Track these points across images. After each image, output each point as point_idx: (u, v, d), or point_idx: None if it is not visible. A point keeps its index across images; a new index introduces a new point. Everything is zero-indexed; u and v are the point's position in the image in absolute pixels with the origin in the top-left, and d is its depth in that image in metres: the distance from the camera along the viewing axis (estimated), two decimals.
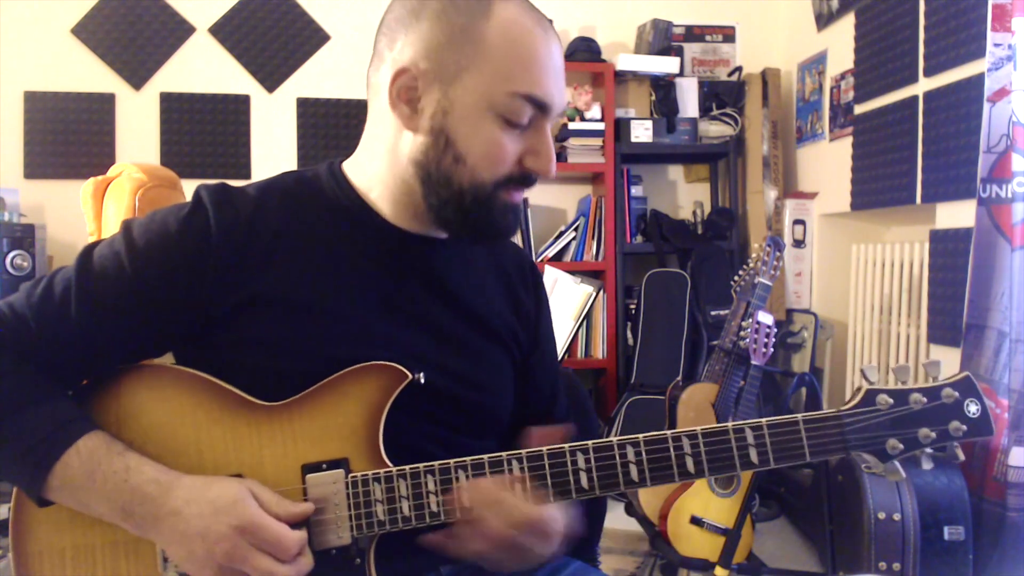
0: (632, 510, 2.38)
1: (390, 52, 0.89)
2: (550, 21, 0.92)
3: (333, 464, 0.85)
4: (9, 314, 0.86)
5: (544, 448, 0.85)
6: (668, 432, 0.85)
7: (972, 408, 0.85)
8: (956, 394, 0.85)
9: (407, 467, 0.85)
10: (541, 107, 0.88)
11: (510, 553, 0.84)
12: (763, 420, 0.85)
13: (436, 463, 0.85)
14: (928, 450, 0.86)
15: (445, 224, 0.92)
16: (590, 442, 0.85)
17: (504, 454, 0.85)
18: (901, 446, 0.85)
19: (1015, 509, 2.01)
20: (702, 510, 2.15)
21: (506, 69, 0.86)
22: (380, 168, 0.93)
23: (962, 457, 0.86)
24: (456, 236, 0.94)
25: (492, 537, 0.82)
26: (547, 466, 0.85)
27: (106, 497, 0.81)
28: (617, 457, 0.84)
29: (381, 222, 0.94)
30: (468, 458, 0.85)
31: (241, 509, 0.79)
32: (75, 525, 0.85)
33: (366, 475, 0.85)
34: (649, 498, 2.26)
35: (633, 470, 0.84)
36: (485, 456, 0.85)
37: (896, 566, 2.00)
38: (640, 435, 0.85)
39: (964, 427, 0.85)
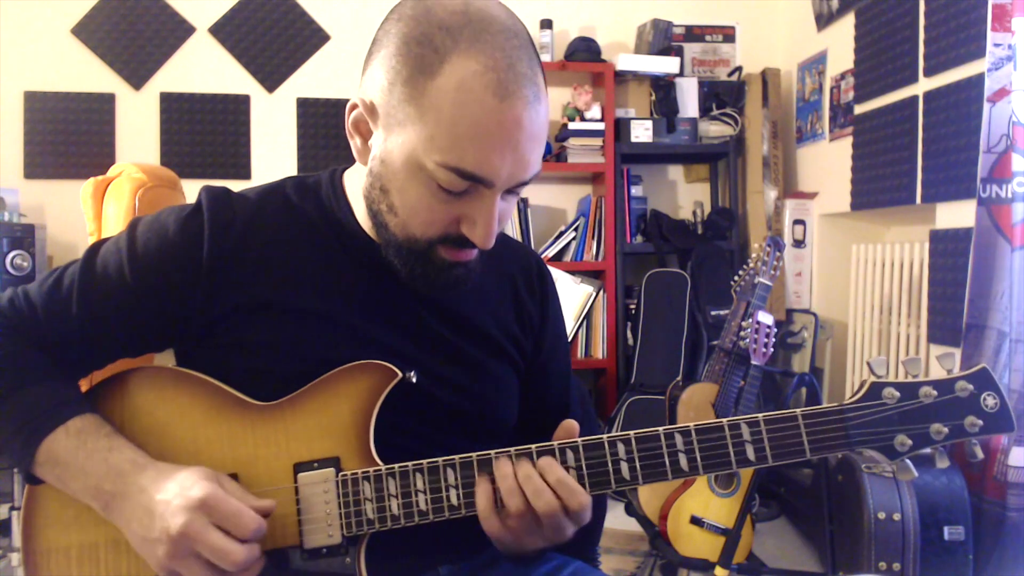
0: (632, 510, 2.38)
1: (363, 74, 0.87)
2: (536, 76, 0.80)
3: (324, 463, 0.85)
4: (24, 302, 0.89)
5: (533, 446, 0.84)
6: (660, 429, 0.83)
7: (990, 402, 0.79)
8: (971, 387, 0.79)
9: (396, 465, 0.84)
10: (479, 181, 0.80)
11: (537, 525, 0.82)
12: (760, 415, 0.82)
13: (424, 461, 0.84)
14: (940, 448, 0.80)
15: (393, 265, 0.89)
16: (579, 439, 0.84)
17: (492, 452, 0.84)
18: (910, 442, 0.80)
19: (1015, 509, 2.01)
20: (702, 510, 2.15)
21: (439, 137, 0.78)
22: (359, 189, 0.92)
23: (981, 455, 0.80)
24: (402, 278, 0.89)
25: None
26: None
27: (84, 473, 0.82)
28: (608, 455, 0.83)
29: (366, 237, 0.93)
30: (456, 456, 0.84)
31: (203, 486, 0.79)
32: (80, 524, 0.86)
33: (356, 474, 0.84)
34: (649, 498, 2.26)
35: (624, 467, 0.83)
36: (473, 455, 0.84)
37: (896, 566, 2.00)
38: (631, 432, 0.84)
39: (980, 422, 0.79)
